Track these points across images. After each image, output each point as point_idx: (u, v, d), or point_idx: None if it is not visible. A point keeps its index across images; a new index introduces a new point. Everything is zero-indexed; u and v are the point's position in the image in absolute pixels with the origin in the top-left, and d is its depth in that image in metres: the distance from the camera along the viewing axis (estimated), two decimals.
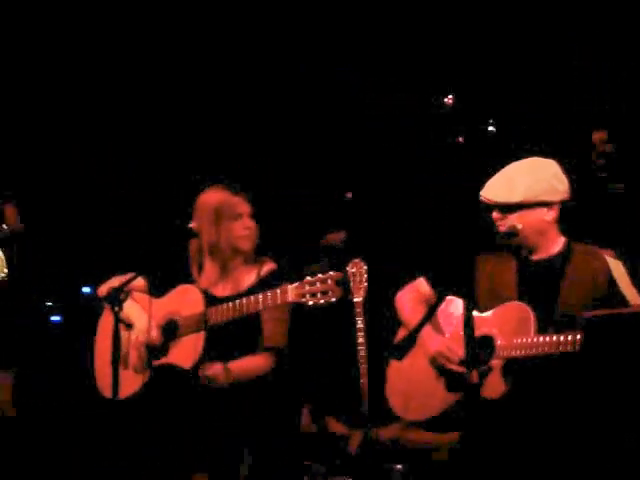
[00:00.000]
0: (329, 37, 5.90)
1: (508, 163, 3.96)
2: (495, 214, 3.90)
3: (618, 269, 3.82)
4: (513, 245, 3.92)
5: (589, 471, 3.65)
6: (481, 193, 3.93)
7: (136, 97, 5.97)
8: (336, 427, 5.32)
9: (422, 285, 4.12)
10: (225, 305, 4.07)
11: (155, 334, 4.16)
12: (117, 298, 3.80)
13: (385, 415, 4.21)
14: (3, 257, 4.23)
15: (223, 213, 4.18)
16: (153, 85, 5.97)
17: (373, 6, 5.81)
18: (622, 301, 3.71)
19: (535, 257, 3.92)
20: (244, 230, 4.21)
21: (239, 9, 5.84)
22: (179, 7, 5.82)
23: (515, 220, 3.85)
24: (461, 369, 3.82)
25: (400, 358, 3.84)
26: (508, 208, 3.86)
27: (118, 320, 3.79)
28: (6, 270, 4.22)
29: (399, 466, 4.86)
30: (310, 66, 5.95)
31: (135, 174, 6.18)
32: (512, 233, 3.87)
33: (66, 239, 5.89)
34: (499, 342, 3.80)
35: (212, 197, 4.23)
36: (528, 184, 3.84)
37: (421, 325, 3.76)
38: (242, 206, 4.22)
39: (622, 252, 3.96)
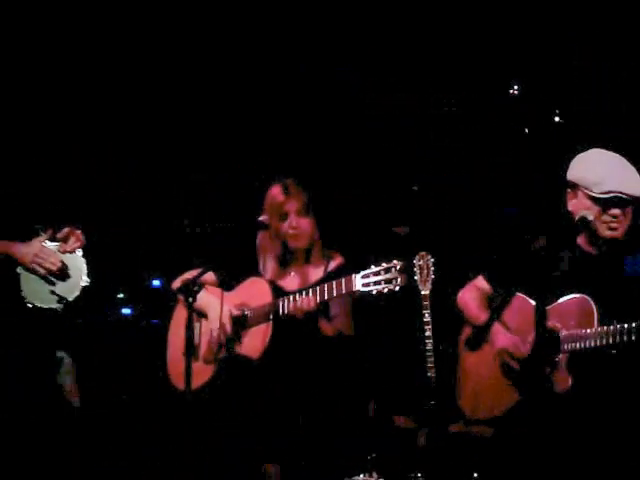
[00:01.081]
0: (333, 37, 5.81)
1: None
2: (617, 210, 3.76)
3: None
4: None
5: None
6: (618, 189, 3.72)
7: (136, 97, 5.97)
8: (403, 422, 5.30)
9: (481, 282, 4.11)
10: (292, 297, 4.11)
11: (228, 325, 4.21)
12: (191, 291, 3.83)
13: (453, 413, 4.22)
14: (85, 264, 4.19)
15: (271, 212, 4.25)
16: (153, 85, 5.95)
17: (375, 6, 5.73)
18: None
19: (593, 250, 3.88)
20: (290, 229, 4.25)
21: (240, 10, 5.81)
22: (180, 7, 5.80)
23: (628, 216, 3.76)
24: (520, 367, 3.78)
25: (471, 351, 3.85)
26: (632, 203, 3.76)
27: (191, 312, 3.82)
28: (88, 279, 4.18)
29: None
30: (311, 66, 5.90)
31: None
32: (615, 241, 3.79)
33: (136, 234, 5.92)
34: (563, 334, 3.76)
35: (267, 195, 4.30)
36: None
37: (490, 321, 3.75)
38: (289, 205, 4.25)
39: None
